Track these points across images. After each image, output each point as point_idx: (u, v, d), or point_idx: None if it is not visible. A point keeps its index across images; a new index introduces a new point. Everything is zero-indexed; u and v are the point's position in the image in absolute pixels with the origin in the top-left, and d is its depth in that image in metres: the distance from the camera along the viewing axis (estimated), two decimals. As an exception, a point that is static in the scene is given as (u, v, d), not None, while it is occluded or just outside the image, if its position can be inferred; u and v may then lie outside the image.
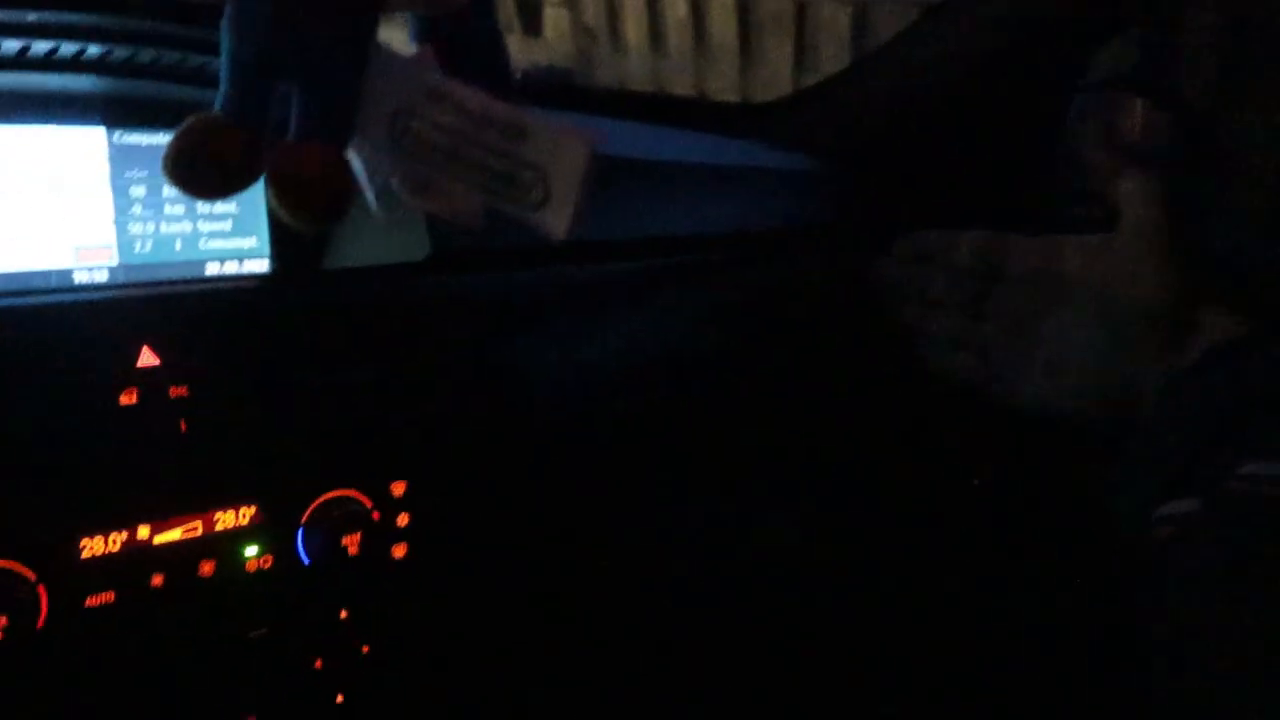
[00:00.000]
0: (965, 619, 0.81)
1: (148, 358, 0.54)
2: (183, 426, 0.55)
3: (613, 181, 0.70)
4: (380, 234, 0.69)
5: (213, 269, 0.69)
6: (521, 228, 0.37)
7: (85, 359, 0.53)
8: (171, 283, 0.65)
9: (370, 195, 0.39)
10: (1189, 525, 0.44)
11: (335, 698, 0.62)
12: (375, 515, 0.60)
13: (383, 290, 0.62)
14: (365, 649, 0.62)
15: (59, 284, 0.63)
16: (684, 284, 0.77)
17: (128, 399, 0.53)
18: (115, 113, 0.65)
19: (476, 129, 0.36)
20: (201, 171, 0.36)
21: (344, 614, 0.62)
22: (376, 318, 0.62)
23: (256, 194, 0.71)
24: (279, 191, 0.36)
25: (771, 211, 0.86)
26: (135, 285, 0.63)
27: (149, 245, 0.67)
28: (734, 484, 0.77)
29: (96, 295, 0.58)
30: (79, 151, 0.64)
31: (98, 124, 0.65)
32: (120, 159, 0.65)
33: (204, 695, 0.58)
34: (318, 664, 0.61)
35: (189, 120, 0.37)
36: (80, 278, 0.65)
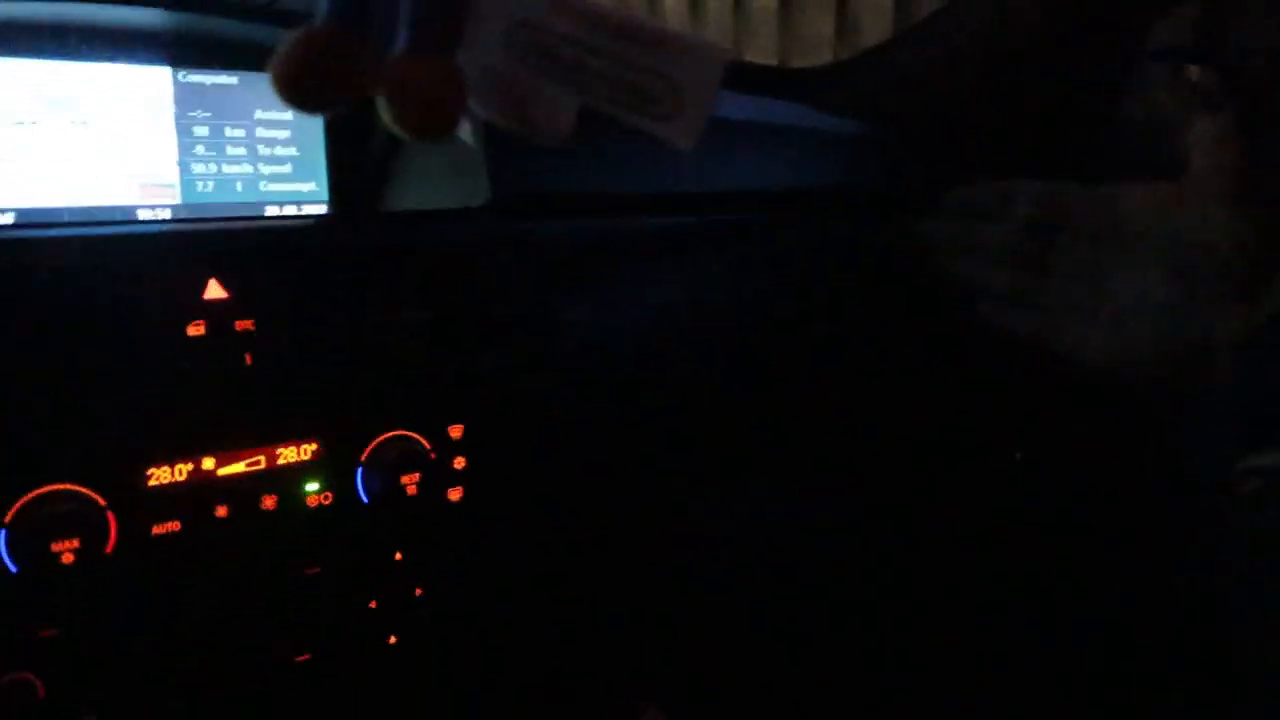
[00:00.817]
0: (1025, 588, 0.81)
1: (215, 291, 0.54)
2: (248, 360, 0.55)
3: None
4: (440, 179, 0.69)
5: (272, 212, 0.69)
6: (591, 171, 0.36)
7: (154, 290, 0.53)
8: (238, 219, 0.65)
9: (475, 114, 0.39)
10: (1278, 477, 0.43)
11: (388, 639, 0.62)
12: (433, 456, 0.60)
13: (443, 234, 0.62)
14: (419, 591, 0.63)
15: (123, 221, 0.64)
16: (737, 240, 0.77)
17: (195, 330, 0.53)
18: (181, 52, 0.65)
19: (605, 39, 0.36)
20: (311, 84, 0.35)
21: (399, 555, 0.62)
22: (437, 261, 0.61)
23: (316, 138, 0.71)
24: (394, 106, 0.35)
25: (822, 173, 0.85)
26: (202, 220, 0.63)
27: (210, 185, 0.67)
28: (782, 440, 0.76)
29: (165, 228, 0.58)
30: (145, 91, 0.64)
31: (163, 64, 0.65)
32: (185, 99, 0.66)
33: (260, 630, 0.58)
34: (372, 604, 0.61)
35: (297, 32, 0.36)
36: (143, 215, 0.65)
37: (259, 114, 0.69)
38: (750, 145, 0.80)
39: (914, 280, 0.73)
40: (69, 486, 0.50)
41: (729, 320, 0.72)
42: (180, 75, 0.65)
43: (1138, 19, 0.83)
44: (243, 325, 0.55)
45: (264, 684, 0.59)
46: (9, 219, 0.61)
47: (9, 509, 0.49)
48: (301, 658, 0.60)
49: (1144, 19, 0.83)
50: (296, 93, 0.35)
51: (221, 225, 0.60)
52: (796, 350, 0.75)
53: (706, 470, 0.70)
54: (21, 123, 0.61)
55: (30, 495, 0.49)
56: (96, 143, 0.63)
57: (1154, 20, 0.84)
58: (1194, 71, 0.84)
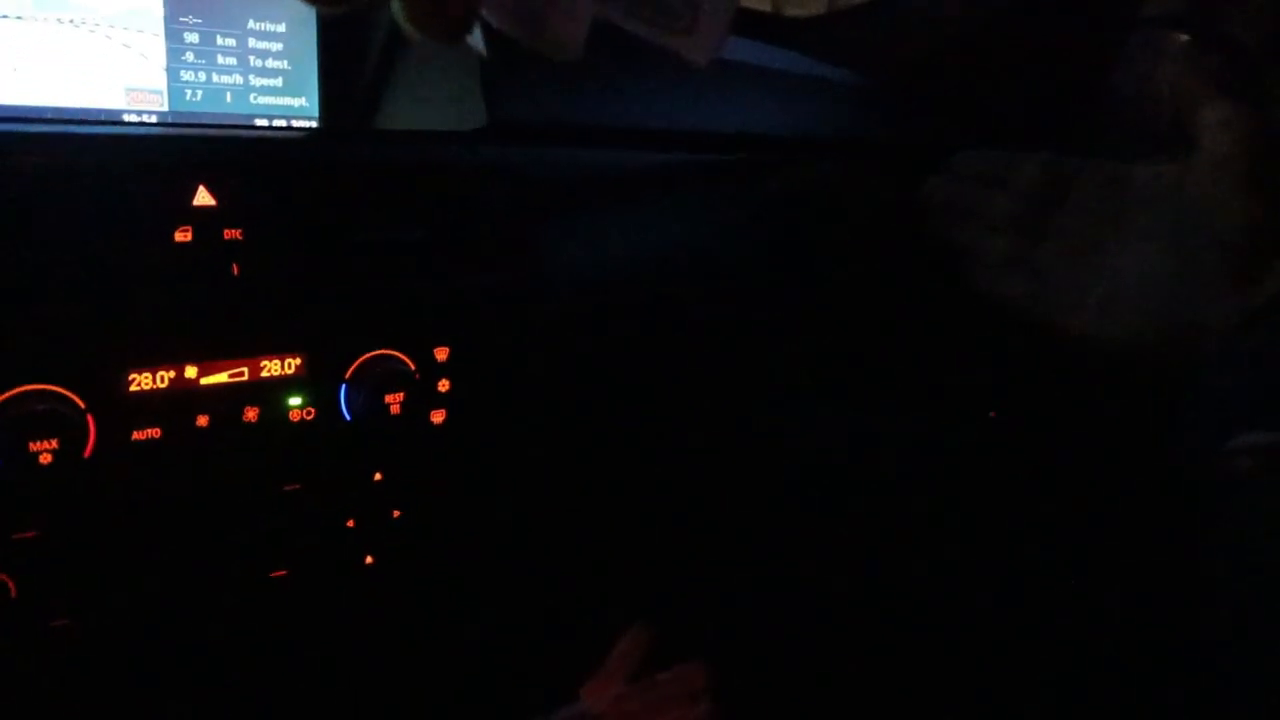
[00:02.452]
0: (996, 563, 0.81)
1: (204, 197, 0.53)
2: (235, 269, 0.54)
3: (665, 71, 0.69)
4: (433, 102, 0.68)
5: (261, 125, 0.68)
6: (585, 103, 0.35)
7: (142, 193, 0.52)
8: (229, 126, 0.64)
9: (487, 21, 0.38)
10: (1271, 457, 0.43)
11: (364, 559, 0.62)
12: (417, 377, 0.59)
13: (437, 155, 0.61)
14: (396, 513, 0.63)
15: (107, 123, 0.62)
16: (725, 180, 0.77)
17: (182, 236, 0.53)
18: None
19: None
20: None
21: (379, 476, 0.62)
22: (429, 182, 0.61)
23: (309, 52, 0.69)
24: (408, 3, 0.34)
25: (819, 121, 0.85)
26: (192, 125, 0.62)
27: (199, 95, 0.66)
28: (757, 386, 0.76)
29: (154, 131, 0.57)
30: (134, -11, 0.62)
31: (154, -38, 0.63)
32: (176, 1, 0.64)
33: (236, 545, 0.58)
34: (350, 524, 0.61)
35: None
36: (129, 120, 0.64)
37: (251, 24, 0.67)
38: (744, 88, 0.80)
39: (908, 238, 0.73)
40: (49, 387, 0.50)
41: (714, 258, 0.72)
42: (172, -22, 0.64)
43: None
44: (231, 234, 0.54)
45: (238, 598, 0.59)
46: (-10, 115, 0.59)
47: (-12, 405, 0.48)
48: (277, 574, 0.60)
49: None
50: None
51: (214, 132, 0.59)
52: (779, 293, 0.75)
53: (685, 400, 0.70)
54: (6, 16, 0.59)
55: (9, 393, 0.49)
56: (83, 43, 0.61)
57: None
58: (1185, 41, 0.84)
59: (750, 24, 0.99)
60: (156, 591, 0.56)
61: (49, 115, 0.60)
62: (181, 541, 0.56)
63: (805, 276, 0.78)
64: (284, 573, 0.60)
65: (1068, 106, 0.88)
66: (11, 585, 0.52)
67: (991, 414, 0.90)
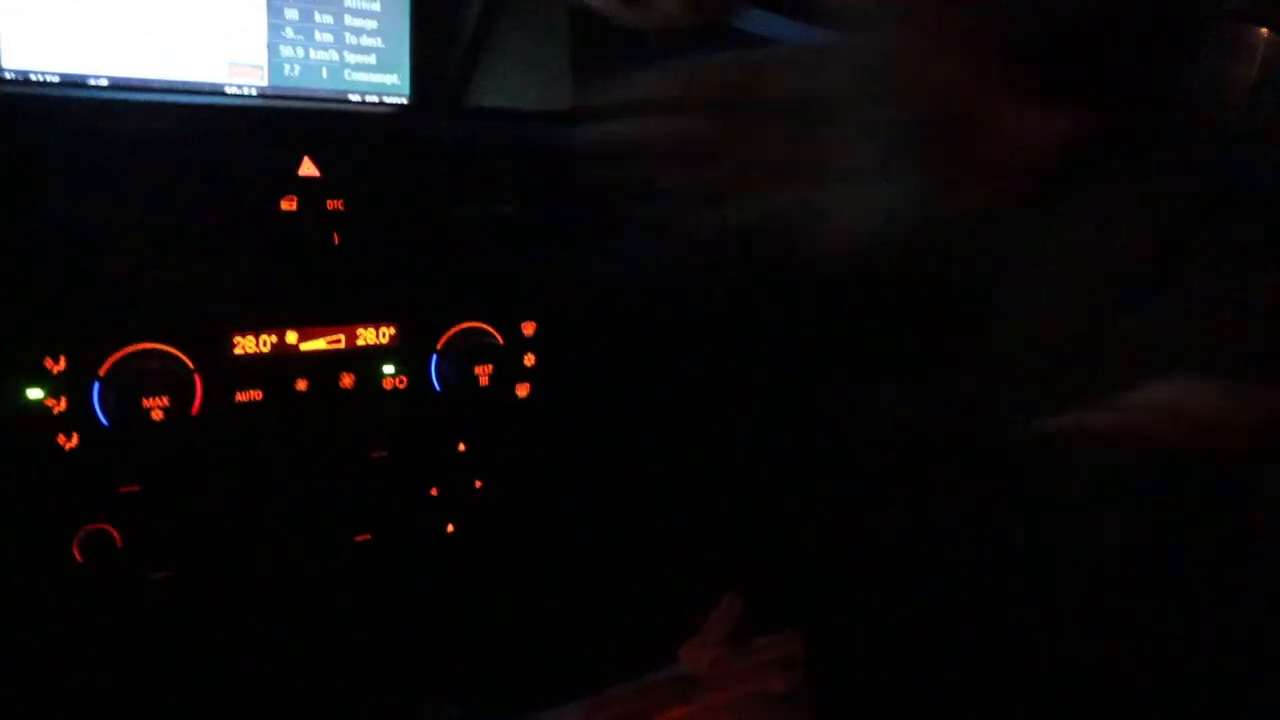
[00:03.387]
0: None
1: (309, 168, 0.55)
2: (335, 239, 0.56)
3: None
4: (521, 82, 0.69)
5: (355, 100, 0.70)
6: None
7: (251, 162, 0.54)
8: (333, 100, 0.65)
9: None
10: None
11: (446, 527, 0.64)
12: (505, 351, 0.61)
13: (534, 134, 0.62)
14: (479, 484, 0.64)
15: (211, 96, 0.64)
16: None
17: (288, 205, 0.54)
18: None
19: None
20: None
21: (462, 446, 0.63)
22: (520, 160, 0.62)
23: (402, 31, 0.71)
24: None
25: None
26: (297, 98, 0.64)
27: (297, 70, 0.67)
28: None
29: (266, 103, 0.59)
30: (240, -34, 0.64)
31: (259, -60, 0.65)
32: (278, -21, 0.66)
33: (326, 507, 0.60)
34: (433, 492, 0.63)
35: None
36: (231, 93, 0.65)
37: (348, 2, 0.69)
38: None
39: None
40: (160, 346, 0.52)
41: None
42: (275, -45, 0.65)
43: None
44: (333, 204, 0.56)
45: (324, 558, 0.61)
46: (103, 84, 0.61)
47: (104, 362, 0.50)
48: (361, 537, 0.61)
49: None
50: None
51: (319, 105, 0.60)
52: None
53: (768, 372, 0.69)
54: (122, -11, 0.61)
55: (124, 351, 0.51)
56: (190, 17, 0.63)
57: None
58: (1265, 36, 0.83)
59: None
60: (249, 548, 0.58)
61: (157, 85, 0.62)
62: (275, 501, 0.58)
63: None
64: (368, 537, 0.62)
65: (1139, 99, 0.87)
66: (117, 535, 0.54)
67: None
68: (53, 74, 0.60)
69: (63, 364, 0.50)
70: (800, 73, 0.49)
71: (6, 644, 0.53)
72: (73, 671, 0.55)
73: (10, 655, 0.54)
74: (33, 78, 0.59)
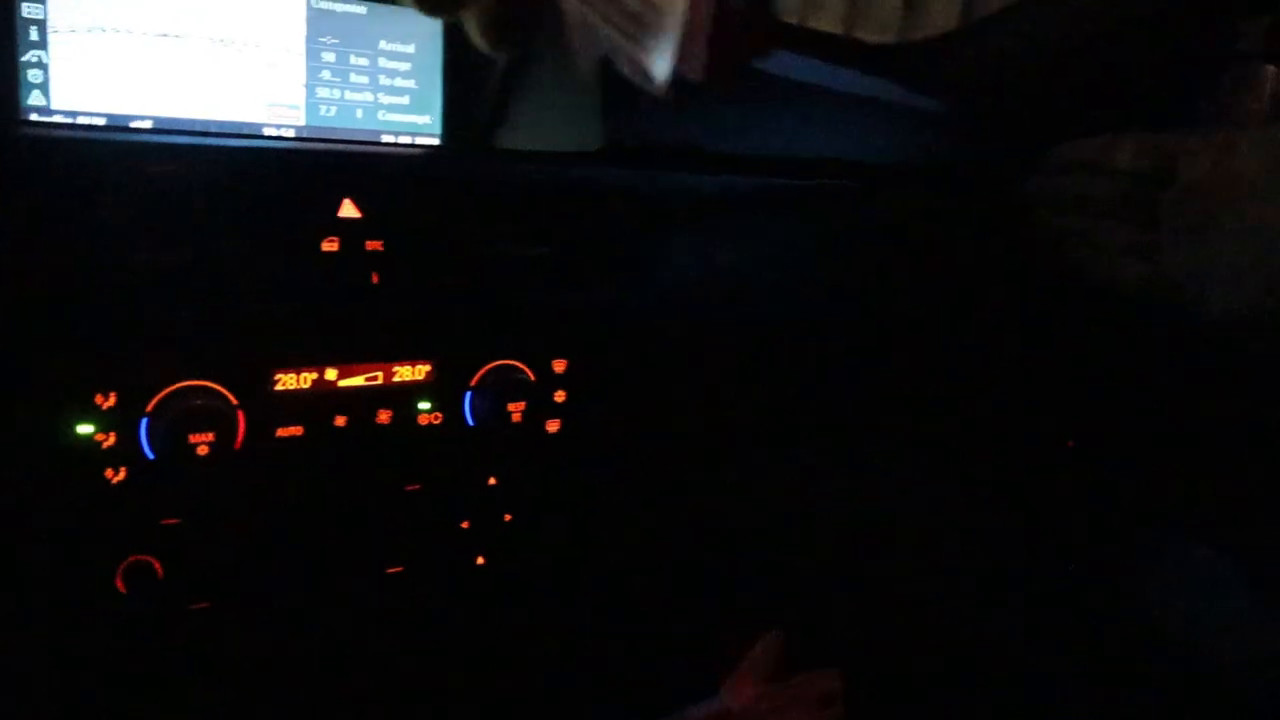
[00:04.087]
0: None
1: (349, 210, 0.56)
2: (374, 279, 0.57)
3: (768, 98, 0.71)
4: (550, 124, 0.71)
5: (388, 140, 0.71)
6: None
7: (293, 203, 0.55)
8: (367, 140, 0.67)
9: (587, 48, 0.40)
10: None
11: (476, 559, 0.65)
12: (536, 387, 0.62)
13: (566, 175, 0.64)
14: (509, 517, 0.65)
15: (250, 136, 0.66)
16: (826, 204, 0.78)
17: (329, 246, 0.56)
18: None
19: None
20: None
21: (493, 480, 0.64)
22: (552, 201, 0.63)
23: (435, 73, 0.73)
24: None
25: (910, 146, 0.86)
26: (334, 140, 0.65)
27: (333, 111, 0.69)
28: (858, 405, 0.78)
29: (307, 146, 0.60)
30: (281, 12, 0.66)
31: (299, -15, 0.67)
32: (316, 23, 0.68)
33: (359, 541, 0.61)
34: (464, 525, 0.64)
35: None
36: (269, 133, 0.67)
37: (383, 44, 0.70)
38: (836, 115, 0.82)
39: (1006, 249, 0.73)
40: (205, 383, 0.53)
41: (821, 278, 0.74)
42: (314, 0, 0.67)
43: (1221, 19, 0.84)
44: (373, 245, 0.57)
45: (357, 590, 0.62)
46: (146, 125, 0.63)
47: (152, 399, 0.52)
48: (394, 569, 0.63)
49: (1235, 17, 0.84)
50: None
51: (357, 147, 0.62)
52: (879, 315, 0.77)
53: (797, 412, 0.71)
54: (166, 35, 0.63)
55: (170, 388, 0.52)
56: (232, 60, 0.65)
57: (1243, 21, 0.84)
58: (1272, 73, 0.84)
59: (825, 46, 1.00)
60: (286, 580, 0.59)
61: (198, 128, 0.64)
62: (311, 533, 0.59)
63: (910, 292, 0.79)
64: (400, 569, 0.63)
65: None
66: (158, 567, 0.55)
67: (1070, 443, 0.90)
68: (99, 114, 0.62)
69: (113, 400, 0.51)
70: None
71: (52, 672, 0.54)
72: (115, 699, 0.56)
73: (55, 683, 0.55)
74: (80, 119, 0.61)
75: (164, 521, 0.55)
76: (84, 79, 0.61)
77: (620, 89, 0.68)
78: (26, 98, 0.59)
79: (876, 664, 0.66)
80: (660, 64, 0.37)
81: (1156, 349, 0.71)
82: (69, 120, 0.61)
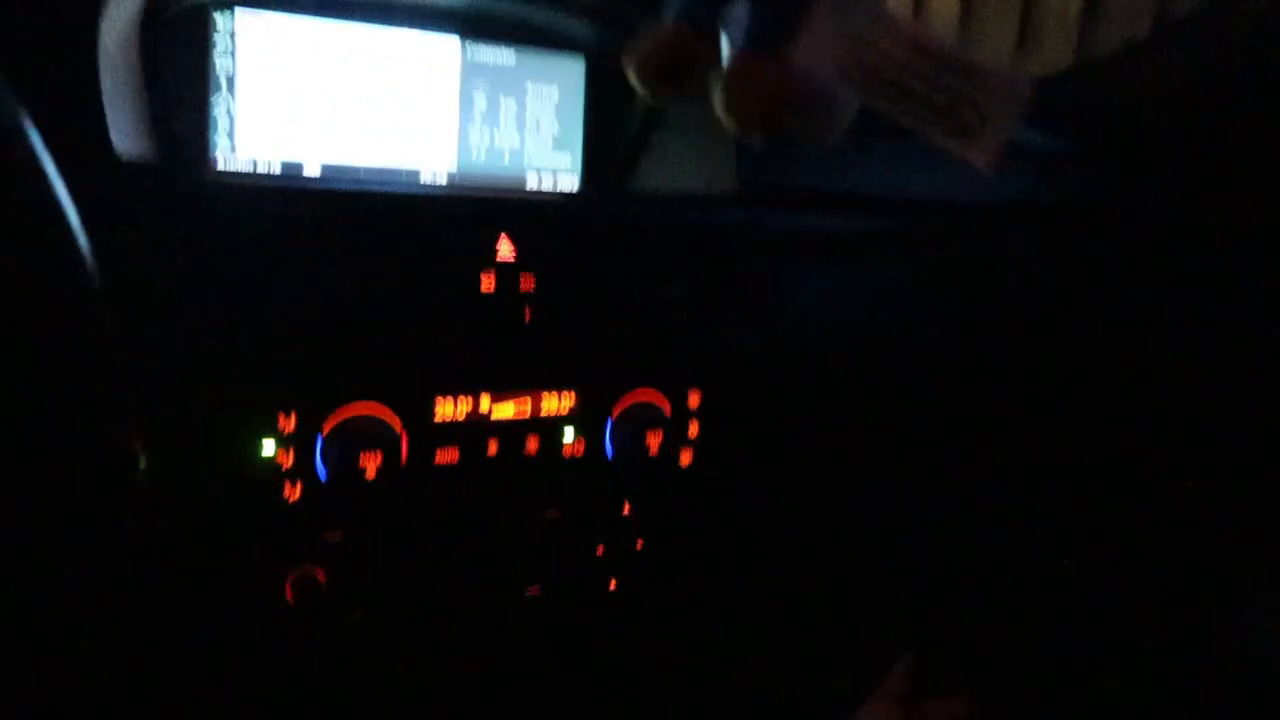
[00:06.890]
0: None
1: (506, 251, 0.60)
2: (527, 315, 0.61)
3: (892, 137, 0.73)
4: (687, 166, 0.74)
5: (532, 180, 0.75)
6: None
7: (453, 245, 0.59)
8: (514, 182, 0.71)
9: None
10: None
11: (609, 584, 0.68)
12: (672, 419, 0.65)
13: (700, 216, 0.67)
14: (641, 544, 0.68)
15: (408, 181, 0.71)
16: (954, 245, 0.80)
17: (487, 284, 0.60)
18: (470, 26, 0.71)
19: (929, 67, 0.40)
20: (664, 74, 0.40)
21: (627, 509, 0.67)
22: (691, 240, 0.66)
23: (576, 116, 0.76)
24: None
25: (1034, 187, 0.87)
26: (484, 185, 0.70)
27: (483, 155, 0.74)
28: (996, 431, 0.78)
29: (457, 191, 0.65)
30: (436, 62, 0.71)
31: (454, 33, 0.71)
32: (470, 72, 0.72)
33: (502, 562, 0.65)
34: (599, 551, 0.67)
35: (655, 29, 0.41)
36: (425, 178, 0.72)
37: (529, 89, 0.75)
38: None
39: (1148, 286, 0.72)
40: (374, 408, 0.57)
41: (952, 318, 0.75)
42: (468, 51, 0.72)
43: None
44: (526, 284, 0.61)
45: (495, 610, 0.66)
46: (316, 173, 0.68)
47: (327, 421, 0.56)
48: (532, 591, 0.66)
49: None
50: (650, 81, 0.40)
51: (508, 193, 0.66)
52: (1013, 352, 0.78)
53: (924, 444, 0.72)
54: (334, 85, 0.68)
55: (343, 413, 0.56)
56: (392, 109, 0.70)
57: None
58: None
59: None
60: (432, 595, 0.63)
61: (361, 175, 0.69)
62: (459, 552, 0.63)
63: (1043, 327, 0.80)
64: (537, 591, 0.66)
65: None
66: (322, 576, 0.59)
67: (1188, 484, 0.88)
68: (275, 163, 0.67)
69: (293, 421, 0.55)
70: None
71: (223, 676, 0.59)
72: (281, 702, 0.60)
73: (225, 686, 0.59)
74: (259, 168, 0.66)
75: (326, 536, 0.59)
76: (262, 129, 0.66)
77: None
78: (214, 147, 0.64)
79: (1006, 688, 0.67)
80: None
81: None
82: (250, 170, 0.66)
